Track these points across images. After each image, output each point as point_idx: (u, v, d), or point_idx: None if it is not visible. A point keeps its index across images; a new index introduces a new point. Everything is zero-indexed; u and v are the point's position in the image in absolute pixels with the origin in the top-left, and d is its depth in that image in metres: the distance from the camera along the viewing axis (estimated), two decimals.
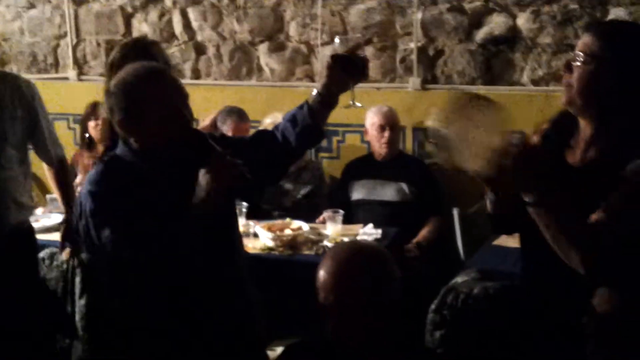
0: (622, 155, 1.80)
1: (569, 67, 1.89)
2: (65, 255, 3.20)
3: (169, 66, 2.71)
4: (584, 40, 1.88)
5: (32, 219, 3.27)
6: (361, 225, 3.61)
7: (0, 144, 2.94)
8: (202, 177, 2.02)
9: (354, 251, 1.88)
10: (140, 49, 2.62)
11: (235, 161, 2.03)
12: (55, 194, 3.41)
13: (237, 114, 4.09)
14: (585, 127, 1.91)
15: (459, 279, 2.91)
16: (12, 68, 5.01)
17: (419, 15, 4.24)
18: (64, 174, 3.25)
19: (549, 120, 2.02)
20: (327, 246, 3.29)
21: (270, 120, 3.94)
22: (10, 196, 2.98)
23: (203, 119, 4.12)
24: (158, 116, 2.06)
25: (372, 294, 1.78)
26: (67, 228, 3.16)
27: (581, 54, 1.86)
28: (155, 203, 2.06)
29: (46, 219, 3.79)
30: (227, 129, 4.01)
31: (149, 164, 2.11)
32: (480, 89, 4.12)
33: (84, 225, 2.08)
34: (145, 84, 2.08)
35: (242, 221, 3.40)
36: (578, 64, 1.86)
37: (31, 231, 3.20)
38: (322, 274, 1.81)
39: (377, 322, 1.78)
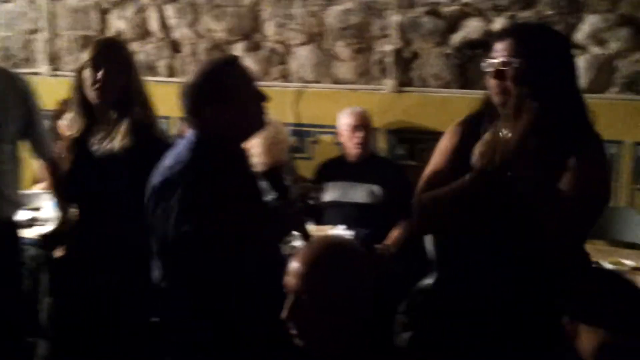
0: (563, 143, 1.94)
1: (500, 74, 1.96)
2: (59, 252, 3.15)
3: (136, 68, 2.78)
4: (505, 46, 2.00)
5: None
6: (332, 226, 3.61)
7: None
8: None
9: (330, 243, 1.88)
10: (113, 49, 2.72)
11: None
12: (37, 188, 3.38)
13: None
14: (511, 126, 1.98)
15: (428, 281, 2.91)
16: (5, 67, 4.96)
17: (396, 18, 4.24)
18: (58, 168, 3.23)
19: (468, 118, 2.19)
20: (296, 247, 3.28)
21: None
22: (2, 191, 2.94)
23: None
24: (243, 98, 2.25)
25: (345, 286, 1.76)
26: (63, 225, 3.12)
27: (512, 58, 1.94)
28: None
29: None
30: None
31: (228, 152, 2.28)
32: (455, 93, 4.15)
33: (164, 210, 2.17)
34: (228, 72, 2.26)
35: None
36: (510, 67, 1.96)
37: (17, 226, 3.16)
38: (295, 264, 1.79)
39: (347, 317, 1.77)
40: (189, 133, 2.34)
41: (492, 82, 2.03)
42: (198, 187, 2.18)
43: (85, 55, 2.70)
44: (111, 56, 2.69)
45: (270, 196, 3.71)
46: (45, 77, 4.78)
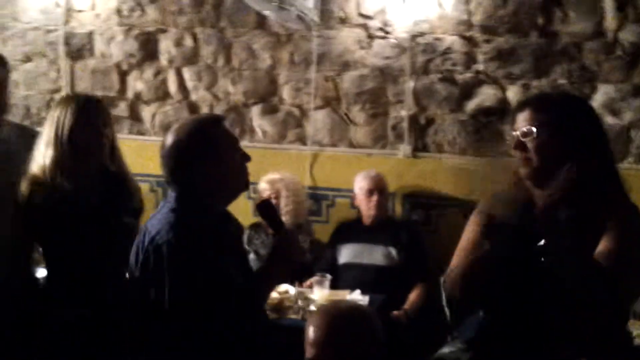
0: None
1: (521, 146, 1.98)
2: None
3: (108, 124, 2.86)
4: (525, 116, 2.02)
5: None
6: (348, 291, 3.61)
7: (10, 197, 2.91)
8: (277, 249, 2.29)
9: (343, 308, 1.92)
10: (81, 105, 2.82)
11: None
12: None
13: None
14: (540, 196, 1.99)
15: (446, 349, 2.89)
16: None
17: (411, 84, 4.31)
18: None
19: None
20: (314, 311, 3.28)
21: (265, 185, 4.00)
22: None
23: None
24: (223, 160, 2.28)
25: (361, 350, 1.79)
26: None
27: (532, 128, 1.95)
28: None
29: None
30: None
31: (210, 210, 2.29)
32: (470, 159, 4.19)
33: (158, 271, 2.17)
34: (208, 130, 2.30)
35: None
36: (530, 138, 1.94)
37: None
38: (311, 329, 1.83)
39: None
40: (170, 196, 2.33)
41: (516, 154, 2.06)
42: (185, 251, 2.17)
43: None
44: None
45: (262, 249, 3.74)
46: None
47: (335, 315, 1.90)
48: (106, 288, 2.76)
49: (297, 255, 2.35)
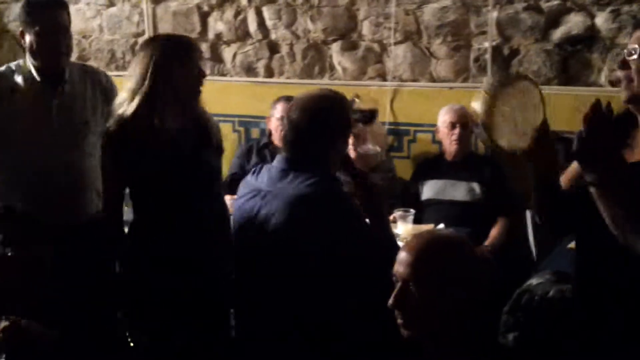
0: None
1: (624, 64, 1.88)
2: None
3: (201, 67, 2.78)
4: (637, 34, 1.89)
5: None
6: (432, 225, 3.60)
7: (84, 132, 3.07)
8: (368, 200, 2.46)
9: (439, 235, 1.92)
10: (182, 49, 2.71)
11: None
12: None
13: (285, 98, 4.12)
14: None
15: (534, 281, 2.87)
16: (92, 65, 5.15)
17: (494, 14, 4.19)
18: None
19: None
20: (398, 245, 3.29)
21: None
22: (93, 184, 3.07)
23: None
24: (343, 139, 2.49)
25: (454, 277, 1.77)
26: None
27: (637, 46, 1.85)
28: None
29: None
30: (277, 112, 4.10)
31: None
32: (556, 90, 4.07)
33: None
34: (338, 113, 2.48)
35: None
36: (635, 57, 1.85)
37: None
38: (404, 253, 1.81)
39: (454, 309, 1.77)
40: (281, 161, 2.47)
41: (620, 74, 1.97)
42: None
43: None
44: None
45: None
46: None
47: (432, 238, 1.87)
48: (193, 227, 2.76)
49: (384, 205, 2.51)
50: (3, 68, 3.09)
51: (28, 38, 2.94)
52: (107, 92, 3.14)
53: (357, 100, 3.97)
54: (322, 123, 2.42)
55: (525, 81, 2.01)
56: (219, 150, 2.88)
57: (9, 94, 3.00)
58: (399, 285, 1.78)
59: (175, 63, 2.64)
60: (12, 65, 3.08)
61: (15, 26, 5.16)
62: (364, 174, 2.49)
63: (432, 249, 1.80)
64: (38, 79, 3.00)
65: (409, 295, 1.77)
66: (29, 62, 3.00)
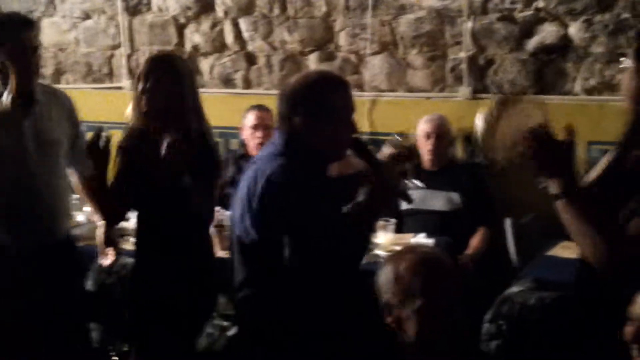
0: None
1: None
2: (108, 260, 3.22)
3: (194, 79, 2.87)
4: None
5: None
6: (412, 234, 3.63)
7: (56, 153, 3.03)
8: (368, 186, 2.26)
9: (420, 252, 1.92)
10: (166, 63, 2.82)
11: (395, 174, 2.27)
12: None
13: (256, 106, 4.17)
14: None
15: (514, 289, 2.92)
16: (68, 78, 5.13)
17: (469, 25, 4.24)
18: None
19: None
20: (379, 255, 3.31)
21: None
22: (64, 205, 3.07)
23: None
24: (340, 120, 2.30)
25: (439, 291, 1.80)
26: (107, 233, 3.18)
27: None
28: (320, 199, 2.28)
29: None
30: (249, 121, 4.12)
31: (317, 160, 2.33)
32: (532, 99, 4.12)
33: (258, 209, 2.26)
34: (330, 90, 2.32)
35: None
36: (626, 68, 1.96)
37: (75, 239, 3.28)
38: (408, 276, 1.83)
39: (440, 321, 1.81)
40: (276, 136, 2.40)
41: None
42: (299, 192, 2.25)
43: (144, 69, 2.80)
44: (161, 69, 2.78)
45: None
46: (127, 91, 4.92)
47: (426, 258, 1.90)
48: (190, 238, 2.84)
49: (395, 188, 2.32)
50: None
51: None
52: (70, 112, 3.12)
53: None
54: (291, 102, 2.34)
55: (529, 104, 2.05)
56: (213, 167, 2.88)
57: None
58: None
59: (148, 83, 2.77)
60: None
61: None
62: (378, 160, 2.38)
63: (440, 268, 1.87)
64: (8, 99, 2.94)
65: (420, 314, 1.81)
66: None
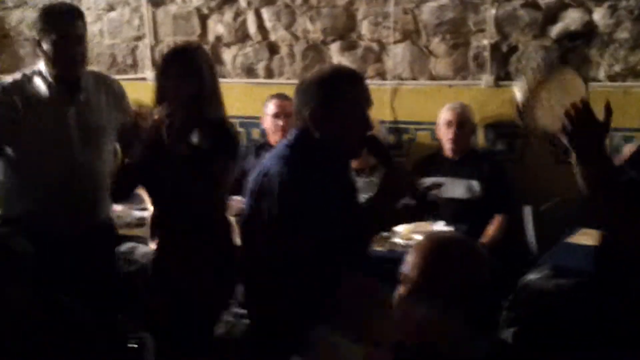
0: None
1: None
2: (154, 244, 3.28)
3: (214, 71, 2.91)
4: None
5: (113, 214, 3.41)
6: (432, 222, 3.61)
7: (100, 140, 3.10)
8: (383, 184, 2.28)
9: (446, 237, 1.92)
10: (184, 53, 2.87)
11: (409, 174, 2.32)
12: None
13: (276, 95, 4.20)
14: None
15: (532, 276, 2.90)
16: (93, 69, 5.17)
17: (492, 12, 4.20)
18: None
19: None
20: (398, 243, 3.31)
21: None
22: (106, 189, 3.09)
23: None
24: (351, 114, 2.29)
25: (460, 281, 1.78)
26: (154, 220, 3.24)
27: None
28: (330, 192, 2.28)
29: (129, 215, 3.85)
30: (270, 110, 4.16)
31: (328, 155, 2.32)
32: None
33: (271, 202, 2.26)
34: (342, 84, 2.31)
35: None
36: None
37: (113, 224, 3.34)
38: (413, 256, 1.82)
39: (460, 310, 1.79)
40: (291, 132, 2.41)
41: None
42: (295, 187, 2.25)
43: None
44: (179, 60, 2.82)
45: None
46: (150, 82, 4.95)
47: (439, 241, 1.88)
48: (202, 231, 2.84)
49: (405, 189, 2.31)
50: (18, 76, 3.08)
51: (45, 46, 2.94)
52: (120, 100, 3.20)
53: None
54: (304, 97, 2.35)
55: (571, 74, 2.14)
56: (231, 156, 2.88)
57: (25, 103, 3.01)
58: (408, 287, 1.80)
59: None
60: (27, 72, 3.08)
61: (16, 32, 5.21)
62: (387, 153, 2.38)
63: (439, 253, 1.82)
64: (55, 86, 3.02)
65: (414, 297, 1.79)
66: (45, 70, 3.01)
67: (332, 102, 2.29)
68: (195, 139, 2.77)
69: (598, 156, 1.98)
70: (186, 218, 2.80)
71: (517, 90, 2.15)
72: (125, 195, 3.10)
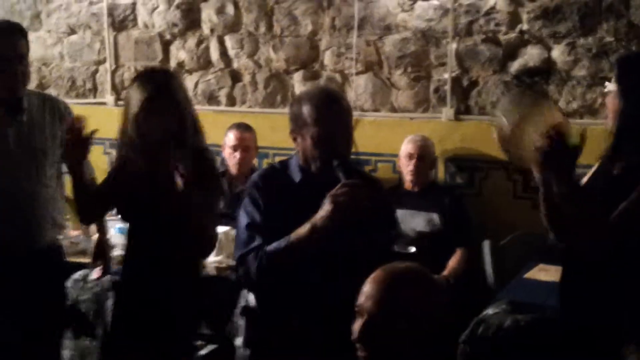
0: None
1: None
2: (96, 274, 3.22)
3: (184, 98, 2.76)
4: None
5: (66, 241, 3.32)
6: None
7: (41, 162, 3.01)
8: (327, 198, 2.24)
9: (404, 268, 1.87)
10: (154, 79, 2.73)
11: (361, 194, 2.22)
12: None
13: (237, 125, 4.16)
14: None
15: (490, 311, 2.90)
16: (52, 92, 5.10)
17: (454, 46, 4.25)
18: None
19: None
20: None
21: None
22: (49, 214, 3.03)
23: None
24: (311, 133, 2.34)
25: (419, 311, 1.76)
26: (99, 247, 3.18)
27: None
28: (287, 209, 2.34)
29: (84, 242, 3.78)
30: (230, 140, 4.12)
31: (300, 175, 2.41)
32: None
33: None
34: (310, 104, 2.37)
35: None
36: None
37: (62, 250, 3.24)
38: (370, 286, 1.79)
39: (419, 342, 1.77)
40: None
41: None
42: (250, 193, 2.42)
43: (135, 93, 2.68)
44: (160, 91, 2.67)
45: None
46: (110, 107, 4.91)
47: (397, 271, 1.86)
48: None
49: (359, 208, 2.23)
50: None
51: None
52: (65, 121, 3.08)
53: None
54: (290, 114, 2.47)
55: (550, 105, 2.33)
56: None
57: None
58: (364, 319, 1.77)
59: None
60: None
61: None
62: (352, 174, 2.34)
63: (397, 283, 1.80)
64: None
65: (373, 329, 1.76)
66: None
67: (298, 121, 2.40)
68: (178, 170, 2.68)
69: (568, 179, 2.13)
70: (164, 247, 2.70)
71: (500, 123, 2.27)
72: (93, 218, 3.03)
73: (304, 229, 2.27)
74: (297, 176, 2.42)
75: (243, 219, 2.41)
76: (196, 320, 2.89)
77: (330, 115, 2.35)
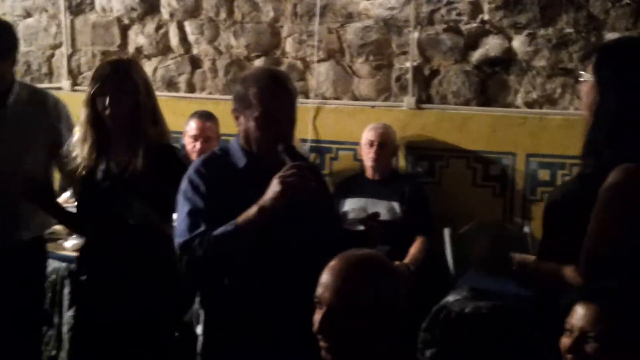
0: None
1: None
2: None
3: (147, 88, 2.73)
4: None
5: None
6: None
7: (25, 156, 2.94)
8: (274, 179, 2.19)
9: (362, 257, 1.85)
10: (120, 68, 2.69)
11: (309, 176, 2.21)
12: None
13: (199, 114, 4.09)
14: None
15: (450, 298, 2.91)
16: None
17: (416, 35, 4.25)
18: None
19: None
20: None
21: None
22: (25, 212, 2.94)
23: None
24: (255, 114, 2.28)
25: (378, 299, 1.75)
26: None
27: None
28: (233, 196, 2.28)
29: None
30: (190, 129, 4.04)
31: (245, 160, 2.35)
32: (474, 110, 4.15)
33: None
34: (257, 84, 2.30)
35: None
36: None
37: (44, 243, 3.19)
38: (328, 277, 1.77)
39: (379, 331, 1.76)
40: None
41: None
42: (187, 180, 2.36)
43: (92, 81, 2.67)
44: (118, 80, 2.64)
45: None
46: (66, 92, 4.81)
47: (355, 261, 1.84)
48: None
49: (307, 190, 2.22)
50: None
51: None
52: (52, 122, 3.03)
53: None
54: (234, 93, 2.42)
55: None
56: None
57: None
58: (323, 310, 1.76)
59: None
60: None
61: None
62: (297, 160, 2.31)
63: (356, 273, 1.78)
64: None
65: (333, 320, 1.74)
66: None
67: (241, 101, 2.34)
68: (135, 160, 2.63)
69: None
70: (121, 243, 2.65)
71: None
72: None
73: (251, 211, 2.23)
74: (241, 161, 2.37)
75: (184, 207, 2.34)
76: (160, 313, 2.82)
77: (276, 97, 2.30)
